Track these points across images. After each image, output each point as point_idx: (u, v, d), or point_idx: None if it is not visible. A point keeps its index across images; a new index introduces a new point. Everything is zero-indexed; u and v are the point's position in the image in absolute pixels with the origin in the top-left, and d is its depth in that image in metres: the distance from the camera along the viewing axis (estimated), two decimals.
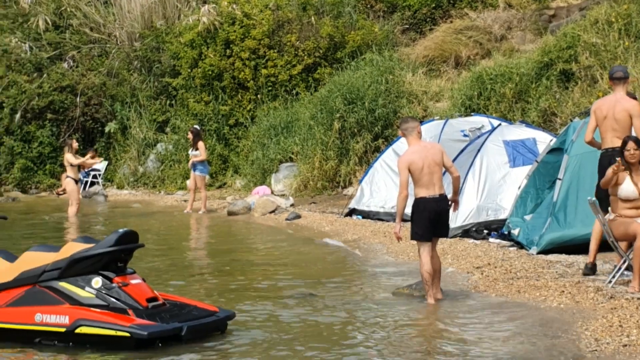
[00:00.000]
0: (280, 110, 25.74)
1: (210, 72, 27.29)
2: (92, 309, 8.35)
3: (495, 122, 17.61)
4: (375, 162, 19.19)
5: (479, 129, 17.69)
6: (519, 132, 16.33)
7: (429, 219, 10.19)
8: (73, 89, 30.02)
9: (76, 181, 21.57)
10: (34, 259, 8.79)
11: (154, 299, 8.70)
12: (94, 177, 29.58)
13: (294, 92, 26.61)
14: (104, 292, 8.46)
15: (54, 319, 8.30)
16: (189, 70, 27.88)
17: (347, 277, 12.39)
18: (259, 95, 26.90)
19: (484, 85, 21.12)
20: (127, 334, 8.09)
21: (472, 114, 19.67)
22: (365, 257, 14.22)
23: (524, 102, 20.34)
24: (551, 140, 14.83)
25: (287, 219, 19.46)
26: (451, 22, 26.30)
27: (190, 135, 22.61)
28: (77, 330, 8.20)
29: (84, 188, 28.59)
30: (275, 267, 13.42)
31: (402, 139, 17.52)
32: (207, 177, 26.37)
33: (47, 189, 29.45)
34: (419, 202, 10.25)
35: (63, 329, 8.24)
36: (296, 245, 15.88)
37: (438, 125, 18.26)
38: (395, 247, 14.48)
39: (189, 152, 23.07)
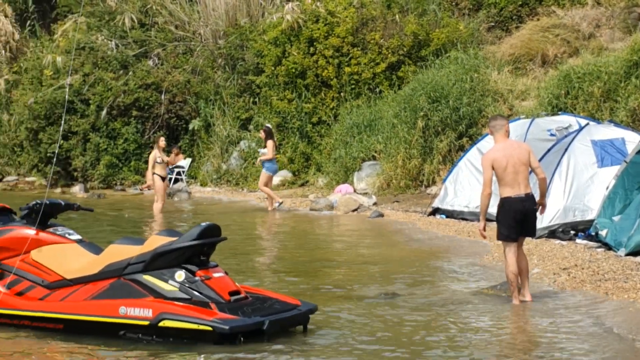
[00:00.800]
0: (364, 108, 25.65)
1: (293, 70, 27.32)
2: (175, 302, 8.36)
3: (583, 122, 17.31)
4: (459, 161, 19.01)
5: (566, 128, 17.40)
6: (608, 131, 16.04)
7: (515, 219, 10.06)
8: (158, 87, 30.33)
9: (163, 178, 21.73)
10: (118, 252, 8.83)
11: (237, 292, 8.68)
12: (178, 174, 29.83)
13: (377, 90, 26.52)
14: (187, 285, 8.47)
15: (137, 312, 8.32)
16: (273, 68, 27.95)
17: (431, 277, 12.26)
18: (342, 93, 26.85)
19: (572, 84, 20.80)
20: (210, 328, 8.07)
21: (559, 113, 19.39)
22: (449, 257, 14.07)
23: (613, 101, 19.99)
24: None
25: (369, 218, 19.38)
26: (538, 19, 25.96)
27: (262, 134, 22.74)
28: (160, 324, 8.21)
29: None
30: (358, 266, 13.32)
31: (487, 138, 17.53)
32: (290, 174, 26.51)
33: (132, 185, 29.77)
34: (504, 202, 10.12)
35: (147, 322, 8.26)
36: (379, 245, 15.78)
37: (524, 124, 18.02)
38: (479, 247, 14.31)
39: (259, 150, 23.16)
